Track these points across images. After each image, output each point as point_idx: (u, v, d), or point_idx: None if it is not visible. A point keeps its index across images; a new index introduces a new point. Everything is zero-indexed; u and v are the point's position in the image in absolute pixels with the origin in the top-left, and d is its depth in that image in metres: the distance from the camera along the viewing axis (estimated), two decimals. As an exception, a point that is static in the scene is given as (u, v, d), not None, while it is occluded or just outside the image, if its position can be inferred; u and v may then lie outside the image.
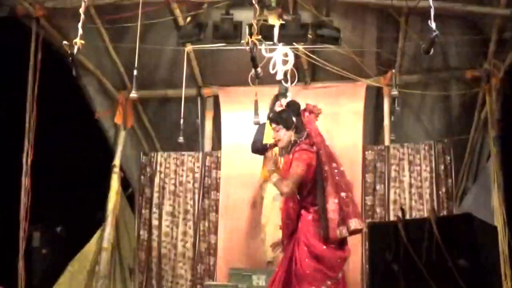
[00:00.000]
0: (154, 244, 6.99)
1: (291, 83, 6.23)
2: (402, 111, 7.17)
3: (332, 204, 3.91)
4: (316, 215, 3.93)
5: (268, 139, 5.72)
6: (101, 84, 7.19)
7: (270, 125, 4.40)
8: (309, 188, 3.99)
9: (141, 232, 7.06)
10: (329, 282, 3.80)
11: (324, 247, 3.83)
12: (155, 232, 7.02)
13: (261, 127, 5.96)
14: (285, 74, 6.09)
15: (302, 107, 4.22)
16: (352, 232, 3.91)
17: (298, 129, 4.16)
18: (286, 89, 6.08)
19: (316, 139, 4.08)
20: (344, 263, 3.91)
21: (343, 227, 3.90)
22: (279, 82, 6.00)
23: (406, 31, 6.41)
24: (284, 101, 5.95)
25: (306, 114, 4.19)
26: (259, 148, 5.82)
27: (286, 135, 4.16)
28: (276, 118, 4.27)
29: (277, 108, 6.01)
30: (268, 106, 6.21)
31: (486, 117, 6.64)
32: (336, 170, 4.02)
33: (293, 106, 4.31)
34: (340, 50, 6.27)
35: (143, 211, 7.11)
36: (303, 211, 3.99)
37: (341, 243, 3.91)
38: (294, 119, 4.16)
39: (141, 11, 5.33)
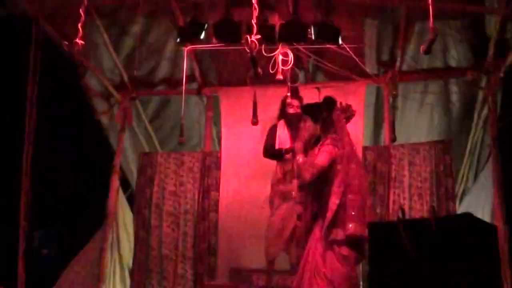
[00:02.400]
0: (154, 244, 6.98)
1: (294, 82, 6.21)
2: (402, 111, 7.18)
3: (332, 204, 3.93)
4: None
5: (282, 144, 5.66)
6: (101, 84, 7.20)
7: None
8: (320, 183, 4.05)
9: (141, 232, 7.05)
10: None
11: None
12: (155, 232, 7.01)
13: (272, 130, 5.90)
14: (287, 74, 6.07)
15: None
16: (349, 237, 3.89)
17: (326, 124, 4.22)
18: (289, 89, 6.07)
19: (344, 138, 4.10)
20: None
21: (339, 229, 3.93)
22: (279, 82, 5.99)
23: (406, 31, 6.41)
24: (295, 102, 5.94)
25: (338, 112, 4.20)
26: (274, 153, 5.70)
27: (311, 127, 4.31)
28: (306, 109, 4.52)
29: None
30: (268, 106, 6.21)
31: (486, 117, 6.64)
32: (353, 172, 4.02)
33: (327, 102, 4.32)
34: (340, 50, 6.27)
35: (143, 211, 7.10)
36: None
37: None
38: (324, 114, 4.22)
39: (141, 11, 5.33)
